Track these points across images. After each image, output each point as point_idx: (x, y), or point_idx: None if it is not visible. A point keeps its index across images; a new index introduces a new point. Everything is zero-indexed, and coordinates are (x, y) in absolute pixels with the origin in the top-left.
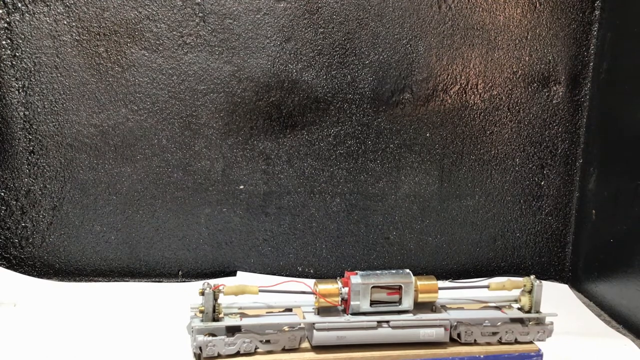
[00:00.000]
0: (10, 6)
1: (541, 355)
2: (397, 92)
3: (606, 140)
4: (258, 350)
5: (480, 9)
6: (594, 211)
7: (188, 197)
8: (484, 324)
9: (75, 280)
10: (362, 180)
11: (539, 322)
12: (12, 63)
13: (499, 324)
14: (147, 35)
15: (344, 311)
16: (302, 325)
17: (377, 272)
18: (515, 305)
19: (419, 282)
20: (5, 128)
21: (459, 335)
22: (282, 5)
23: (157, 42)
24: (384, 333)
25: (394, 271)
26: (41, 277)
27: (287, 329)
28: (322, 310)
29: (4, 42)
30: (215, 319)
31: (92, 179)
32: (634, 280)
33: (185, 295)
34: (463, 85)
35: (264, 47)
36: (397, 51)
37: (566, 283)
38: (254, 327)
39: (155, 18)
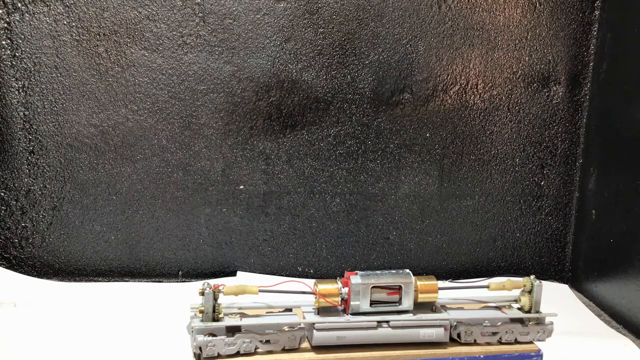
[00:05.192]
0: (10, 6)
1: (541, 355)
2: (397, 92)
3: (606, 140)
4: (258, 350)
5: (480, 9)
6: (594, 211)
7: (188, 197)
8: (484, 324)
9: (75, 280)
10: (362, 180)
11: (539, 322)
12: (12, 63)
13: (499, 324)
14: (147, 35)
15: (344, 311)
16: (302, 325)
17: (377, 272)
18: (515, 305)
19: (419, 282)
20: (5, 128)
21: (458, 335)
22: (282, 5)
23: (157, 42)
24: (384, 333)
25: (394, 271)
26: (41, 277)
27: (287, 329)
28: (322, 310)
29: (4, 42)
30: (215, 319)
31: (92, 179)
32: (634, 280)
33: (185, 295)
34: (463, 85)
35: (263, 47)
36: (397, 51)
37: (566, 283)
38: (254, 327)
39: (155, 18)
